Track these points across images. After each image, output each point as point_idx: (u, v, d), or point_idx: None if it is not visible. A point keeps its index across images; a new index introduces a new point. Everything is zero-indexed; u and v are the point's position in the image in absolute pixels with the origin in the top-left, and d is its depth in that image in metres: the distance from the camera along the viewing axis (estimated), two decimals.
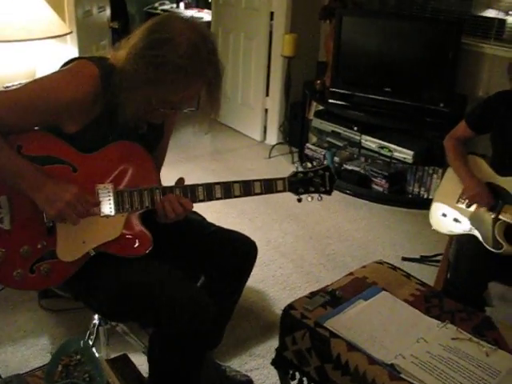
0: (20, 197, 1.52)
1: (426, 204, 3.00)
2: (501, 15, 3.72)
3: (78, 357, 1.34)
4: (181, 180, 1.68)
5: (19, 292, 2.53)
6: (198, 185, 1.65)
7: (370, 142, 3.90)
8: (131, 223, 1.61)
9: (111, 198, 1.58)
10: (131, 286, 1.59)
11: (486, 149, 2.45)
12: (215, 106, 1.62)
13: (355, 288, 1.90)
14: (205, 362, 2.00)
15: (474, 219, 2.22)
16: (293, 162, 4.48)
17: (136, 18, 6.99)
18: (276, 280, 2.90)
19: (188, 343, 1.62)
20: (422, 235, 3.39)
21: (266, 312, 2.64)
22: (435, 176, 3.77)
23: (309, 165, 1.80)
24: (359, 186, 4.01)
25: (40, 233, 1.56)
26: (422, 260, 3.11)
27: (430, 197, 3.75)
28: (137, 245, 1.61)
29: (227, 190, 1.67)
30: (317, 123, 4.26)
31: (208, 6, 6.22)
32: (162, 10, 6.87)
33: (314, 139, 4.52)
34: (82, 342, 1.36)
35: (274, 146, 4.69)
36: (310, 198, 1.80)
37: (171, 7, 7.20)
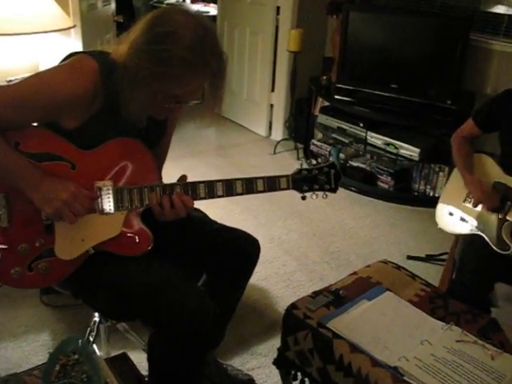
0: (18, 194, 1.49)
1: (431, 202, 2.97)
2: (511, 11, 3.67)
3: (76, 356, 1.32)
4: (183, 177, 1.65)
5: None
6: (199, 182, 1.62)
7: (376, 139, 3.87)
8: (131, 221, 1.59)
9: (110, 195, 1.55)
10: (131, 286, 1.57)
11: (494, 147, 2.41)
12: (219, 98, 1.60)
13: (359, 288, 1.88)
14: (206, 360, 1.99)
15: (480, 219, 2.18)
16: (298, 158, 4.45)
17: (142, 11, 6.94)
18: (279, 278, 2.87)
19: (188, 343, 1.60)
20: (427, 233, 3.36)
21: (268, 310, 2.62)
22: (441, 174, 3.74)
23: (313, 162, 1.77)
24: (364, 183, 3.98)
25: (38, 231, 1.54)
26: (428, 259, 3.08)
27: (436, 195, 3.72)
28: (137, 243, 1.59)
29: (229, 188, 1.64)
30: (322, 119, 4.23)
31: (214, 0, 6.18)
32: (168, 4, 6.84)
33: (319, 135, 4.49)
34: (80, 342, 1.35)
35: (279, 142, 4.66)
36: (314, 196, 1.77)
37: (177, 1, 7.18)
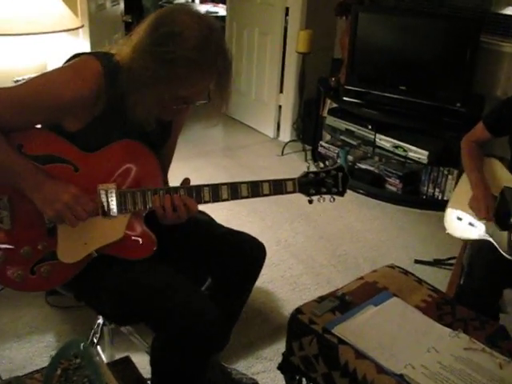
0: (21, 197, 1.48)
1: (440, 205, 2.94)
2: None
3: (78, 360, 1.30)
4: (186, 180, 1.64)
5: None
6: (203, 185, 1.60)
7: (385, 141, 3.84)
8: (134, 224, 1.58)
9: (113, 198, 1.53)
10: (133, 289, 1.55)
11: (504, 151, 2.38)
12: (225, 97, 1.58)
13: (365, 293, 1.85)
14: (210, 364, 1.97)
15: (489, 224, 2.15)
16: (306, 160, 4.42)
17: (151, 11, 6.88)
18: (285, 281, 2.85)
19: (191, 348, 1.58)
20: (435, 237, 3.33)
21: (274, 314, 2.60)
22: (450, 177, 3.70)
23: (321, 164, 1.75)
24: (372, 186, 3.95)
25: (41, 233, 1.52)
26: (435, 263, 3.05)
27: (445, 198, 3.69)
28: (140, 246, 1.58)
29: (234, 191, 1.63)
30: (330, 121, 4.20)
31: (223, 1, 6.18)
32: (177, 4, 6.84)
33: (327, 137, 4.47)
34: (81, 345, 1.33)
35: (287, 144, 4.64)
36: (321, 200, 1.75)
37: (186, 1, 7.17)
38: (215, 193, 1.61)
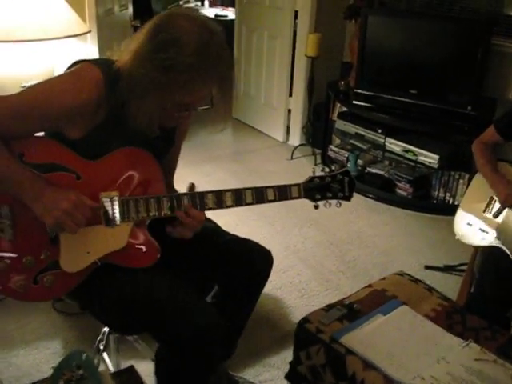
0: (22, 206, 1.46)
1: (451, 210, 2.90)
2: None
3: (81, 372, 1.29)
4: (192, 186, 1.61)
5: None
6: (207, 192, 1.58)
7: (395, 145, 3.81)
8: (137, 232, 1.56)
9: (116, 206, 1.51)
10: (137, 299, 1.53)
11: None
12: (229, 102, 1.56)
13: (374, 301, 1.83)
14: (217, 373, 1.95)
15: (501, 231, 2.12)
16: (315, 164, 4.39)
17: None
18: (294, 287, 2.83)
19: (195, 359, 1.55)
20: (446, 243, 3.28)
21: (282, 321, 2.57)
22: (461, 181, 3.66)
23: (327, 169, 1.73)
24: (382, 190, 3.91)
25: (43, 243, 1.50)
26: (446, 269, 3.01)
27: (456, 203, 3.64)
28: (143, 255, 1.56)
29: (238, 198, 1.60)
30: (340, 125, 4.18)
31: (233, 4, 6.15)
32: (187, 8, 6.84)
33: (337, 141, 4.44)
34: (84, 356, 1.32)
35: (296, 148, 4.61)
36: (327, 205, 1.72)
37: (196, 5, 7.18)
38: (219, 199, 1.59)
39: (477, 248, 2.33)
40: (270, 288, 2.73)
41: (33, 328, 2.42)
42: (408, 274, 2.02)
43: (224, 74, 1.48)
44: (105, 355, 2.06)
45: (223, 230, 1.90)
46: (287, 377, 1.83)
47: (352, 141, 4.12)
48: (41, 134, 1.54)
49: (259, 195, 1.63)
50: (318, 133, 4.60)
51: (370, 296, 1.86)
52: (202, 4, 7.24)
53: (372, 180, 3.99)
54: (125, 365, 2.03)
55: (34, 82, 2.48)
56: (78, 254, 1.51)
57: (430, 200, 3.86)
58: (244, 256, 1.81)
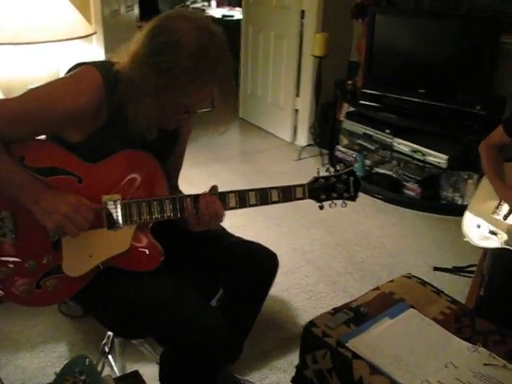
0: (24, 210, 1.45)
1: (460, 210, 2.85)
2: None
3: (83, 377, 1.28)
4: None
5: None
6: (208, 192, 1.57)
7: (403, 145, 3.78)
8: (140, 235, 1.54)
9: (118, 209, 1.50)
10: (140, 303, 1.52)
11: None
12: (229, 104, 1.54)
13: (381, 304, 1.80)
14: (223, 376, 1.94)
15: (510, 233, 2.08)
16: (323, 165, 4.37)
17: None
18: (301, 289, 2.80)
19: (199, 363, 1.54)
20: (454, 244, 3.25)
21: (289, 323, 2.55)
22: (470, 181, 3.62)
23: (331, 169, 1.71)
24: (390, 191, 3.88)
25: (45, 247, 1.49)
26: (455, 271, 2.97)
27: (465, 203, 3.60)
28: (147, 258, 1.54)
29: (242, 199, 1.59)
30: (348, 125, 4.16)
31: (240, 4, 6.14)
32: (194, 8, 6.84)
33: (344, 141, 4.41)
34: (87, 361, 1.30)
35: (303, 148, 4.59)
36: (333, 205, 1.70)
37: (202, 5, 7.17)
38: (223, 201, 1.58)
39: (486, 249, 2.30)
40: (276, 290, 2.71)
41: (39, 331, 2.41)
42: (416, 277, 1.99)
43: (224, 76, 1.46)
44: (110, 358, 2.05)
45: (228, 233, 1.88)
46: (293, 381, 1.81)
47: (360, 141, 4.10)
48: (42, 137, 1.53)
49: (263, 197, 1.61)
50: (325, 133, 4.58)
51: (377, 299, 1.84)
52: (209, 4, 7.23)
53: (380, 180, 3.96)
54: (130, 368, 2.03)
55: (41, 84, 2.49)
56: (80, 257, 1.49)
57: (438, 200, 3.82)
58: (249, 258, 1.79)
